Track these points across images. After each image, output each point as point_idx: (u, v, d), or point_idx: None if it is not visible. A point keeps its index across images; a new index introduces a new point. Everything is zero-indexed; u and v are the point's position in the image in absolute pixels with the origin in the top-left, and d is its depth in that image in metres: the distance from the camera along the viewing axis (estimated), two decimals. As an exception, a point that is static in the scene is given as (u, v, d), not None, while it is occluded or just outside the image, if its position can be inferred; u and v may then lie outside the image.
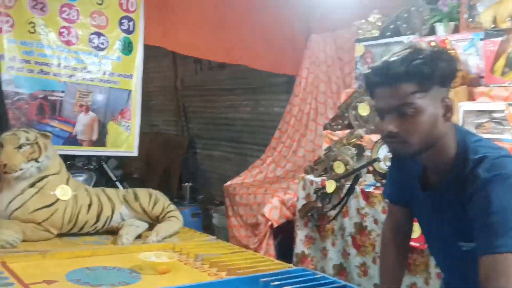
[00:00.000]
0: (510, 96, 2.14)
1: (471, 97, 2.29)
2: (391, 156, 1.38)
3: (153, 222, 2.27)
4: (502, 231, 0.96)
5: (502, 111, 2.07)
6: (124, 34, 2.77)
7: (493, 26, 2.24)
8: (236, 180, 3.56)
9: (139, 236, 2.16)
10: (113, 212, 2.18)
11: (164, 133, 5.93)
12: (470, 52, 2.31)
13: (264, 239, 3.05)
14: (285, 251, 3.09)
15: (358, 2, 3.17)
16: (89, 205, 2.11)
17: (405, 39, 2.63)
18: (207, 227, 4.06)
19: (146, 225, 2.23)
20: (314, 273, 1.74)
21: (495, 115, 2.14)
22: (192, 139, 5.59)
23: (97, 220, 2.14)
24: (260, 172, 3.58)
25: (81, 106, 2.69)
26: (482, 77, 2.31)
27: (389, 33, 2.81)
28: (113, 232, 2.18)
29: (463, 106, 2.21)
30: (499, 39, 2.19)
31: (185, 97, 5.62)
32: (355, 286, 1.61)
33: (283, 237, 3.16)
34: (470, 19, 2.47)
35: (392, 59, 1.06)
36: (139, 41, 2.73)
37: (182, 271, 1.74)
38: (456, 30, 2.55)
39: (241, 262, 1.85)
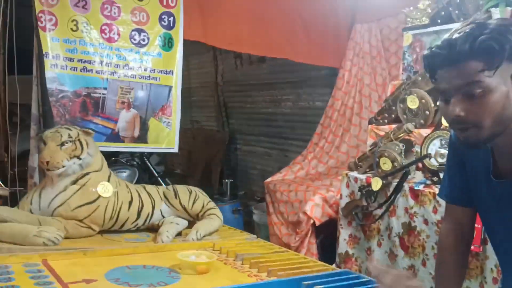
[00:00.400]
0: None
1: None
2: (448, 149, 1.25)
3: (193, 219, 2.24)
4: None
5: None
6: (164, 30, 2.75)
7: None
8: (277, 177, 3.48)
9: (179, 234, 2.14)
10: (153, 209, 2.17)
11: (206, 128, 5.95)
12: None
13: (305, 238, 2.97)
14: (327, 250, 3.00)
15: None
16: (130, 202, 2.10)
17: (457, 26, 2.45)
18: (248, 224, 4.02)
19: (186, 223, 2.20)
20: (359, 276, 1.65)
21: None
22: (233, 134, 5.57)
23: (138, 217, 2.12)
24: (302, 169, 3.48)
25: (123, 103, 2.70)
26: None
27: (439, 21, 2.64)
28: (154, 229, 2.16)
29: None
30: None
31: (226, 93, 5.60)
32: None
33: (326, 236, 3.07)
34: (531, 2, 2.27)
35: (455, 36, 0.98)
36: (179, 36, 2.69)
37: (221, 271, 1.69)
38: (515, 14, 2.34)
39: (283, 262, 1.78)
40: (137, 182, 3.47)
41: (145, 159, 3.81)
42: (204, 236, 2.09)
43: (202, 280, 1.59)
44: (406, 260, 2.34)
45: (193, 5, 2.85)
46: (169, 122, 2.69)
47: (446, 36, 1.06)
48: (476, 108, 0.97)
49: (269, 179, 3.45)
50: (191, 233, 2.07)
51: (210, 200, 2.30)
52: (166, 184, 3.65)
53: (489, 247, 1.94)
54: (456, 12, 2.56)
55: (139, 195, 2.16)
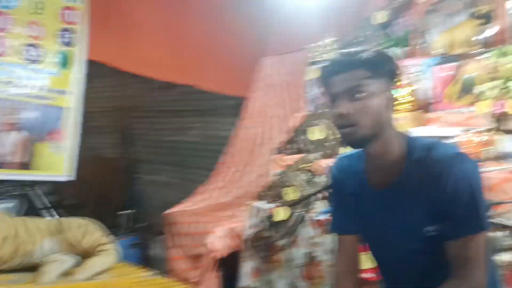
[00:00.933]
0: (461, 122, 2.12)
1: (423, 123, 2.26)
2: (331, 184, 1.33)
3: (83, 256, 2.01)
4: (476, 212, 1.04)
5: (453, 137, 2.03)
6: (63, 47, 2.52)
7: (447, 51, 2.23)
8: (178, 208, 3.32)
9: (66, 273, 1.89)
10: (34, 246, 1.90)
11: (105, 156, 5.57)
12: (423, 78, 2.28)
13: (207, 272, 2.83)
14: (229, 284, 2.89)
15: (310, 25, 3.13)
16: (4, 239, 1.81)
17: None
18: (147, 259, 3.76)
19: (73, 260, 1.96)
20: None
21: (446, 141, 2.10)
22: (135, 163, 5.29)
23: (14, 256, 1.84)
24: (205, 199, 3.37)
25: (8, 124, 2.38)
26: (433, 102, 2.29)
27: (340, 58, 2.77)
28: (34, 268, 1.89)
29: (415, 132, 2.15)
30: (454, 64, 2.18)
31: (130, 119, 5.33)
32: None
33: (228, 269, 2.96)
34: (422, 45, 2.47)
35: (345, 51, 1.18)
36: (80, 55, 2.48)
37: (113, 315, 1.50)
38: (407, 56, 2.54)
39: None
40: (27, 214, 3.07)
41: (29, 189, 3.40)
42: (95, 275, 1.88)
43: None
44: (308, 291, 2.32)
45: (100, 24, 2.66)
46: (60, 147, 2.43)
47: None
48: (357, 109, 1.09)
49: (169, 211, 3.28)
50: (79, 272, 1.84)
51: (104, 234, 2.09)
52: (58, 215, 3.29)
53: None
54: (355, 50, 2.71)
55: (16, 231, 1.89)
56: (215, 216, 3.00)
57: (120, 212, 4.35)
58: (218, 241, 2.76)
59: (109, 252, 2.01)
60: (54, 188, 5.00)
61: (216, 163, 3.97)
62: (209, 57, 3.23)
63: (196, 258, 2.88)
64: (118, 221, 4.41)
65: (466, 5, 2.33)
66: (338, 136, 2.44)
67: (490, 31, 2.13)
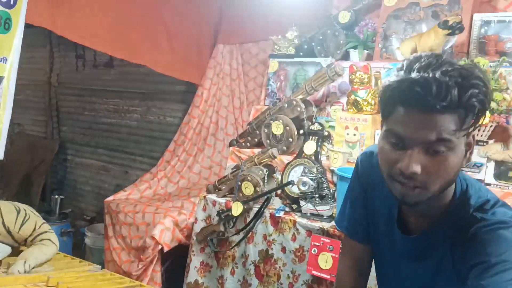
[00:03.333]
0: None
1: (385, 126, 2.29)
2: (353, 180, 1.15)
3: (19, 245, 1.78)
4: (500, 280, 0.80)
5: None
6: (2, 8, 2.20)
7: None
8: (120, 195, 3.11)
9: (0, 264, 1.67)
10: (-39, 233, 1.65)
11: (30, 134, 5.12)
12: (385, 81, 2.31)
13: (150, 265, 2.69)
14: (172, 278, 2.76)
15: (268, 17, 3.06)
16: None
17: (321, 60, 2.57)
18: (78, 248, 3.50)
19: (8, 250, 1.74)
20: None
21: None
22: (64, 143, 4.91)
23: None
24: (149, 188, 3.19)
25: None
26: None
27: (301, 53, 2.73)
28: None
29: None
30: (417, 72, 2.22)
31: (60, 95, 4.93)
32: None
33: (172, 263, 2.83)
34: (384, 49, 2.51)
35: (438, 75, 0.79)
36: (20, 18, 2.18)
37: (61, 315, 1.34)
38: (369, 58, 2.56)
39: (139, 300, 1.51)
40: None
41: None
42: (34, 268, 1.67)
43: (36, 329, 1.22)
44: (260, 289, 2.27)
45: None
46: (-6, 121, 2.14)
47: (417, 68, 0.82)
48: (434, 167, 0.83)
49: (110, 198, 3.06)
50: (17, 264, 1.63)
51: (44, 221, 1.87)
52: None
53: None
54: (318, 48, 2.69)
55: None
56: (161, 207, 2.84)
57: (51, 197, 4.00)
58: (165, 233, 2.61)
59: (50, 242, 1.81)
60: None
61: (159, 151, 3.79)
62: (164, 38, 3.04)
63: (139, 250, 2.71)
64: (45, 206, 4.07)
65: (431, 14, 2.40)
66: (296, 134, 2.43)
67: (455, 41, 2.21)
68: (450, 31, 2.14)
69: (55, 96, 4.96)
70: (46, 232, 1.84)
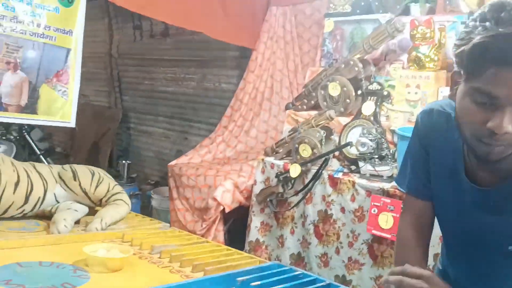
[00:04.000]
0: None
1: (449, 83, 2.19)
2: (413, 137, 1.13)
3: (94, 205, 1.93)
4: None
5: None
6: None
7: (478, 8, 2.14)
8: (182, 160, 3.24)
9: (77, 222, 1.82)
10: (45, 193, 1.80)
11: (95, 104, 5.39)
12: (450, 36, 2.20)
13: (213, 225, 2.80)
14: (234, 238, 2.88)
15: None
16: (16, 183, 1.71)
17: (380, 17, 2.48)
18: (145, 209, 3.71)
19: (86, 209, 1.88)
20: (291, 269, 1.54)
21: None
22: (126, 112, 5.14)
23: (26, 202, 1.75)
24: (209, 152, 3.29)
25: (8, 63, 2.20)
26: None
27: (358, 11, 2.65)
28: (45, 216, 1.81)
29: (443, 92, 2.10)
30: (484, 23, 2.10)
31: (121, 66, 5.13)
32: (340, 285, 1.43)
33: (233, 223, 2.94)
34: (448, 1, 2.37)
35: None
36: (82, -9, 2.28)
37: (138, 267, 1.44)
38: (431, 12, 2.44)
39: (206, 255, 1.60)
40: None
41: (25, 134, 3.25)
42: (109, 225, 1.80)
43: (117, 279, 1.34)
44: (319, 248, 2.32)
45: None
46: (65, 90, 2.28)
47: (496, 13, 0.78)
48: None
49: (173, 162, 3.20)
50: (94, 222, 1.76)
51: (117, 183, 2.00)
52: (48, 163, 3.17)
53: (404, 236, 1.99)
54: (376, 3, 2.59)
55: (28, 175, 1.78)
56: (221, 170, 2.94)
57: (118, 162, 4.25)
58: (226, 195, 2.71)
59: (123, 202, 1.93)
60: (46, 135, 4.86)
61: (216, 117, 3.87)
62: (217, 4, 3.04)
63: (202, 211, 2.84)
64: (113, 171, 4.33)
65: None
66: (354, 95, 2.39)
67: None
68: (522, -23, 1.98)
69: (116, 67, 5.16)
70: (118, 193, 1.96)
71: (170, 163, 3.18)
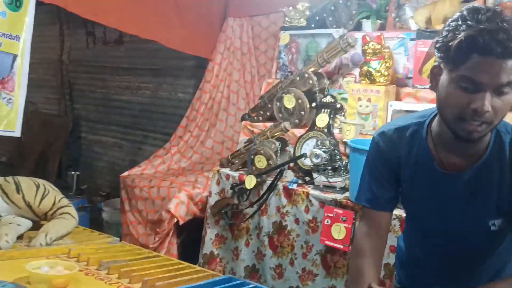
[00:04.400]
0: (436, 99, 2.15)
1: (397, 97, 2.28)
2: (372, 154, 1.22)
3: (40, 219, 1.84)
4: None
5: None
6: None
7: (424, 27, 2.23)
8: (135, 171, 3.16)
9: (20, 237, 1.72)
10: (-15, 206, 1.70)
11: (44, 112, 5.18)
12: (399, 52, 2.29)
13: (166, 238, 2.74)
14: (188, 250, 2.82)
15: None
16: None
17: (333, 31, 2.54)
18: (95, 223, 3.58)
19: (29, 224, 1.79)
20: (245, 283, 1.53)
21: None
22: (77, 121, 4.96)
23: (-38, 217, 1.64)
24: (163, 163, 3.23)
25: None
26: (409, 77, 2.31)
27: (313, 25, 2.70)
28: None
29: (393, 105, 2.17)
30: (431, 40, 2.19)
31: (72, 73, 4.96)
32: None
33: (187, 235, 2.89)
34: (397, 19, 2.47)
35: (507, 25, 0.91)
36: (31, -4, 2.18)
37: (84, 284, 1.39)
38: (382, 28, 2.52)
39: (157, 270, 1.55)
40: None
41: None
42: (54, 241, 1.72)
43: (61, 297, 1.27)
44: (274, 259, 2.32)
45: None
46: (10, 98, 2.16)
47: (474, 14, 0.94)
48: (499, 106, 0.96)
49: (126, 173, 3.11)
50: (39, 237, 1.67)
51: (63, 196, 1.92)
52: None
53: (357, 246, 2.02)
54: (330, 19, 2.65)
55: (-34, 188, 1.68)
56: (175, 181, 2.88)
57: (68, 173, 4.08)
58: (180, 207, 2.66)
59: (70, 216, 1.85)
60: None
61: (171, 127, 3.81)
62: (174, 13, 3.01)
63: (155, 223, 2.77)
64: (62, 182, 4.15)
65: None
66: (308, 107, 2.43)
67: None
68: (465, -2, 2.10)
69: (67, 74, 4.98)
70: (65, 206, 1.88)
71: (122, 174, 3.08)
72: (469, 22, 0.93)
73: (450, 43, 0.96)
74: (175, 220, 2.68)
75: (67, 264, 1.42)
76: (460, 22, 0.95)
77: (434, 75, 1.06)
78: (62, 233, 1.78)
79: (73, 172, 3.96)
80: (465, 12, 0.95)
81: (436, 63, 1.05)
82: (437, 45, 1.02)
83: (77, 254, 1.61)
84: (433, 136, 1.11)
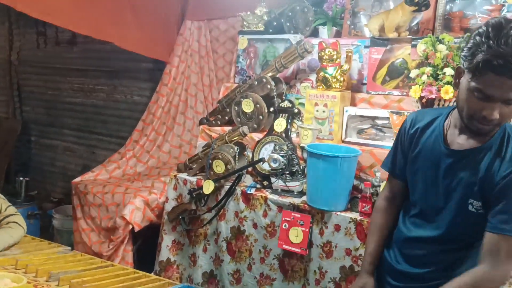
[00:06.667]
0: (389, 104, 2.22)
1: (353, 102, 2.32)
2: (400, 133, 1.44)
3: (-16, 229, 1.74)
4: None
5: (385, 118, 2.12)
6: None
7: (378, 35, 2.29)
8: (88, 176, 3.05)
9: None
10: None
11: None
12: (354, 58, 2.33)
13: (121, 245, 2.67)
14: (144, 258, 2.75)
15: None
16: None
17: (291, 37, 2.56)
18: (45, 230, 3.43)
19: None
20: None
21: (378, 121, 2.18)
22: (27, 124, 4.75)
23: None
24: (118, 168, 3.14)
25: None
26: (364, 83, 2.36)
27: (271, 30, 2.71)
28: None
29: (348, 111, 2.21)
30: (384, 48, 2.25)
31: (22, 74, 4.74)
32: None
33: (143, 242, 2.82)
34: (352, 26, 2.52)
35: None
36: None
37: (32, 297, 1.32)
38: (338, 35, 2.57)
39: (111, 281, 1.51)
40: None
41: None
42: (1, 251, 1.63)
43: (6, 312, 1.20)
44: (232, 265, 2.30)
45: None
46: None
47: (492, 34, 1.11)
48: (505, 114, 1.17)
49: (78, 179, 3.00)
50: (-17, 248, 1.58)
51: (10, 204, 1.83)
52: None
53: (314, 250, 2.04)
54: (288, 24, 2.67)
55: None
56: (131, 187, 2.81)
57: (16, 178, 3.88)
58: (136, 213, 2.60)
59: (17, 225, 1.76)
60: None
61: (127, 130, 3.72)
62: (129, 14, 2.94)
63: (109, 230, 2.68)
64: (11, 188, 3.95)
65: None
66: (266, 111, 2.43)
67: (422, 18, 2.24)
68: (416, 7, 2.17)
69: (15, 75, 4.76)
70: (12, 215, 1.80)
71: (74, 180, 2.97)
72: (490, 42, 1.10)
73: (472, 58, 1.14)
74: (130, 227, 2.61)
75: (14, 276, 1.35)
76: (483, 39, 1.11)
77: (458, 74, 1.25)
78: (9, 243, 1.70)
79: (22, 178, 3.78)
80: (490, 29, 1.11)
81: (460, 65, 1.23)
82: (462, 53, 1.19)
83: (25, 265, 1.54)
84: (451, 120, 1.31)
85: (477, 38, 1.13)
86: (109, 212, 2.74)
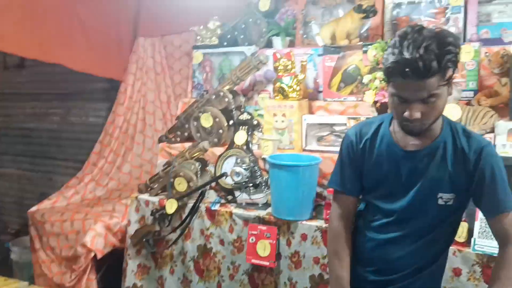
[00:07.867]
0: (346, 110, 2.25)
1: (310, 110, 2.34)
2: (344, 148, 1.43)
3: None
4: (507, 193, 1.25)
5: (343, 124, 2.14)
6: None
7: (330, 43, 2.32)
8: (45, 204, 2.92)
9: None
10: None
11: None
12: (308, 67, 2.35)
13: (84, 275, 2.55)
14: (109, 285, 2.65)
15: (189, 7, 2.99)
16: None
17: (245, 49, 2.56)
18: (4, 264, 3.24)
19: None
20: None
21: (336, 128, 2.20)
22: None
23: None
24: (76, 193, 3.02)
25: None
26: (320, 91, 2.38)
27: (225, 43, 2.70)
28: None
29: (307, 119, 2.22)
30: (337, 55, 2.28)
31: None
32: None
33: (107, 269, 2.70)
34: (305, 35, 2.55)
35: (422, 53, 1.12)
36: None
37: None
38: (291, 45, 2.59)
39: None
40: None
41: None
42: None
43: None
44: (201, 285, 2.24)
45: None
46: None
47: (405, 46, 1.15)
48: (428, 111, 1.19)
49: (34, 208, 2.86)
50: None
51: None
52: None
53: (283, 262, 2.02)
54: (241, 36, 2.67)
55: None
56: (91, 212, 2.70)
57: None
58: (97, 239, 2.49)
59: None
60: None
61: (84, 153, 3.59)
62: (78, 33, 2.86)
63: (70, 260, 2.56)
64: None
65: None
66: (226, 125, 2.41)
67: (370, 24, 2.29)
68: (365, 14, 2.22)
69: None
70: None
71: (30, 210, 2.83)
72: (395, 50, 1.16)
73: (385, 67, 1.21)
74: (92, 254, 2.50)
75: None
76: (392, 49, 1.18)
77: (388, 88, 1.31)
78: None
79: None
80: (397, 38, 1.18)
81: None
82: (383, 66, 1.25)
83: (-25, 307, 1.42)
84: (394, 127, 1.35)
85: (389, 48, 1.20)
86: (69, 240, 2.62)
